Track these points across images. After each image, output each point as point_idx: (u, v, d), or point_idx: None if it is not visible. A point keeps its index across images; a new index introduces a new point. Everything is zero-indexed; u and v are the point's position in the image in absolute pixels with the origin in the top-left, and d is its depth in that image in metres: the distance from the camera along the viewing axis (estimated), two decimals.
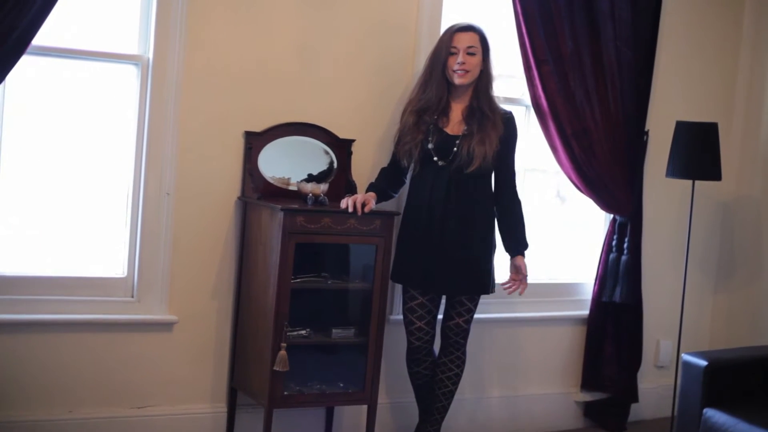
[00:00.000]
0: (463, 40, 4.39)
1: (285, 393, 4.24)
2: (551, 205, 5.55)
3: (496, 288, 4.57)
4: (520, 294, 4.62)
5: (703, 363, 4.48)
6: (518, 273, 4.57)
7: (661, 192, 5.58)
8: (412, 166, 4.47)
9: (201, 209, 4.44)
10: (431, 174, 4.42)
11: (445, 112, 4.46)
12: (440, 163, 4.41)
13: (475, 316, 4.59)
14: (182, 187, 4.38)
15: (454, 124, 4.45)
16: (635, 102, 5.26)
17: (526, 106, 5.19)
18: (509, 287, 4.59)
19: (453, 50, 4.39)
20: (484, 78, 4.44)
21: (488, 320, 5.10)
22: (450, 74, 4.40)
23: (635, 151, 5.31)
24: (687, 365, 4.56)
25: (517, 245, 4.56)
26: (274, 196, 4.44)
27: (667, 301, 5.62)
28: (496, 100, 4.50)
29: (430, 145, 4.41)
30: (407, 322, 4.52)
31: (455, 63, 4.37)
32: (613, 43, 5.12)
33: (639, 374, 5.51)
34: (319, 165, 4.60)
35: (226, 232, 4.49)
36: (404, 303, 4.53)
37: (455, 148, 4.39)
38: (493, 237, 4.54)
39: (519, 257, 4.56)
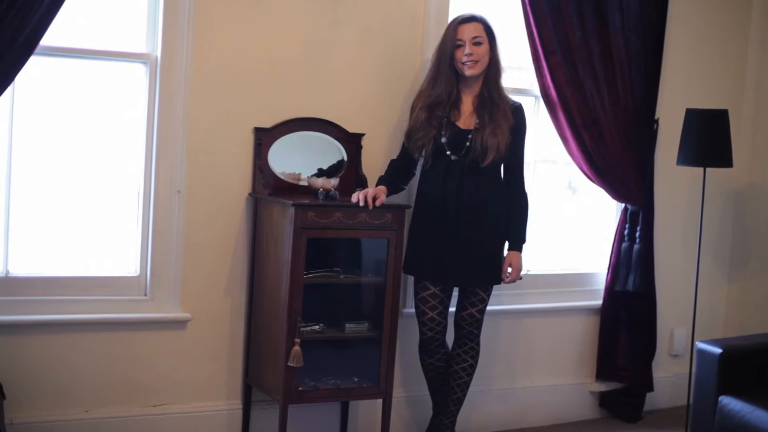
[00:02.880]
0: (467, 31, 4.37)
1: (300, 388, 4.25)
2: (562, 195, 5.54)
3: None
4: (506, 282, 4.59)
5: (718, 351, 4.47)
6: (510, 267, 4.53)
7: (673, 180, 5.57)
8: (422, 159, 4.46)
9: (212, 206, 4.45)
10: (443, 166, 4.42)
11: (456, 104, 4.45)
12: (453, 157, 4.40)
13: (489, 307, 4.59)
14: (193, 184, 4.39)
15: (466, 116, 4.44)
16: (645, 90, 5.25)
17: (536, 97, 5.18)
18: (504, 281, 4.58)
19: (459, 42, 4.38)
20: (493, 67, 4.43)
21: (502, 312, 5.10)
22: (460, 67, 4.39)
23: (646, 140, 5.30)
24: (702, 353, 4.55)
25: (512, 241, 4.55)
26: (285, 191, 4.44)
27: (681, 289, 5.60)
28: (505, 90, 4.49)
29: (443, 140, 4.40)
30: (419, 313, 4.52)
31: (463, 55, 4.36)
32: (622, 32, 5.11)
33: (654, 363, 5.51)
34: (329, 159, 4.60)
35: (237, 229, 4.50)
36: (416, 293, 4.53)
37: (468, 143, 4.38)
38: (505, 227, 4.53)
39: (512, 252, 4.54)
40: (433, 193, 4.44)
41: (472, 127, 4.41)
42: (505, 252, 4.56)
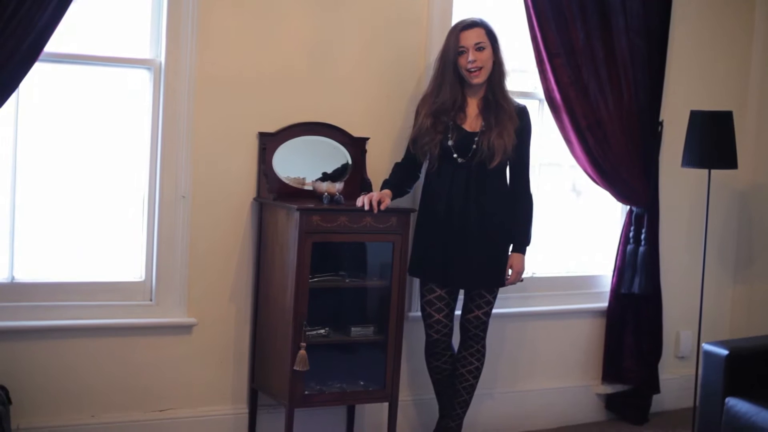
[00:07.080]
0: (470, 38, 4.37)
1: (306, 392, 4.25)
2: (567, 198, 5.54)
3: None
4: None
5: (724, 352, 4.46)
6: (511, 268, 4.54)
7: (678, 182, 5.56)
8: (428, 162, 4.46)
9: (217, 211, 4.45)
10: (450, 170, 4.42)
11: (461, 108, 4.45)
12: (460, 160, 4.41)
13: (495, 310, 4.59)
14: (198, 189, 4.39)
15: (471, 119, 4.45)
16: (649, 92, 5.25)
17: (540, 100, 5.18)
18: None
19: (462, 49, 4.37)
20: (497, 70, 4.43)
21: (508, 314, 5.10)
22: (465, 74, 4.39)
23: (650, 142, 5.30)
24: (708, 355, 4.54)
25: (515, 243, 4.54)
26: (290, 196, 4.44)
27: (687, 291, 5.60)
28: (510, 93, 4.49)
29: (450, 143, 4.40)
30: (425, 315, 4.52)
31: (467, 62, 4.36)
32: (625, 34, 5.11)
33: (660, 365, 5.50)
34: (333, 164, 4.60)
35: (242, 234, 4.50)
36: (422, 296, 4.53)
37: (474, 145, 4.38)
38: (510, 230, 4.53)
39: (514, 254, 4.53)
40: (440, 196, 4.43)
41: (478, 130, 4.41)
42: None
